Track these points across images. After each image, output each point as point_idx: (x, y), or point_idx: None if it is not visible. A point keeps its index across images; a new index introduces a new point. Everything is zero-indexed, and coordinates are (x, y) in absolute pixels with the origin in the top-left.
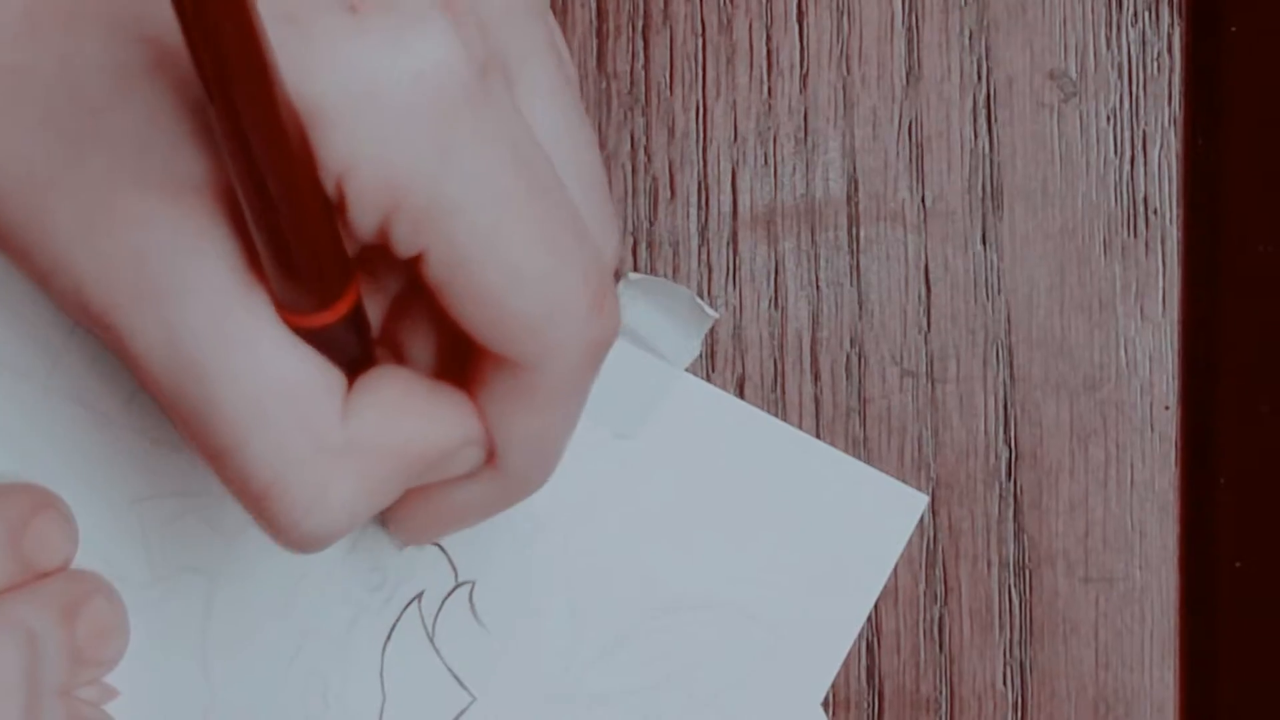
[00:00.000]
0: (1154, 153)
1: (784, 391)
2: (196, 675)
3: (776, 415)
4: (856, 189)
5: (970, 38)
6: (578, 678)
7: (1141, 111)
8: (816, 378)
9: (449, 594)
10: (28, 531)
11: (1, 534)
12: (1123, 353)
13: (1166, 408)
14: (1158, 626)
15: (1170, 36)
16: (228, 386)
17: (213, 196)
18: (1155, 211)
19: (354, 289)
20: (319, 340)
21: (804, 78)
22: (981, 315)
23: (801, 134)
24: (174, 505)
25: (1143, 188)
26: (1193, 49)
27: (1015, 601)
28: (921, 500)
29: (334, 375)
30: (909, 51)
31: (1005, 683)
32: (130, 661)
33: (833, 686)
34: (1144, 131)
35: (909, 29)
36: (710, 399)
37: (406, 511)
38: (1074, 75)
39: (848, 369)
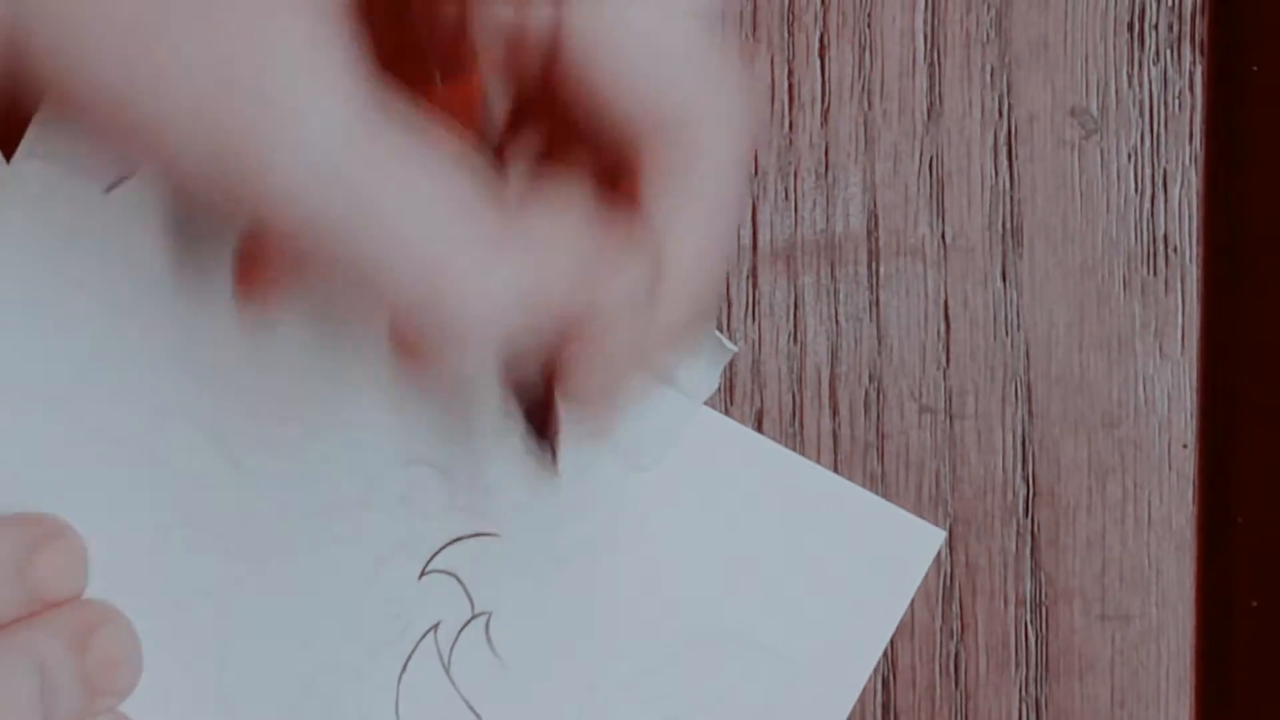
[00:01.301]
0: (1175, 190)
1: (802, 426)
2: (211, 705)
3: (795, 450)
4: (877, 224)
5: (992, 74)
6: (594, 711)
7: (1163, 149)
8: (835, 413)
9: (465, 625)
10: (36, 562)
11: (9, 565)
12: (1141, 390)
13: (1185, 446)
14: (1174, 664)
15: (1192, 75)
16: (385, 173)
17: None
18: (1175, 249)
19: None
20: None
21: (825, 112)
22: (1000, 352)
23: (822, 169)
24: (191, 532)
25: (1163, 225)
26: (1214, 87)
27: (1032, 638)
28: (939, 536)
29: (486, 167)
30: (930, 87)
31: (1021, 719)
32: (145, 691)
33: None
34: (1165, 169)
35: (930, 64)
36: (729, 433)
37: (570, 354)
38: (1095, 112)
39: (866, 404)
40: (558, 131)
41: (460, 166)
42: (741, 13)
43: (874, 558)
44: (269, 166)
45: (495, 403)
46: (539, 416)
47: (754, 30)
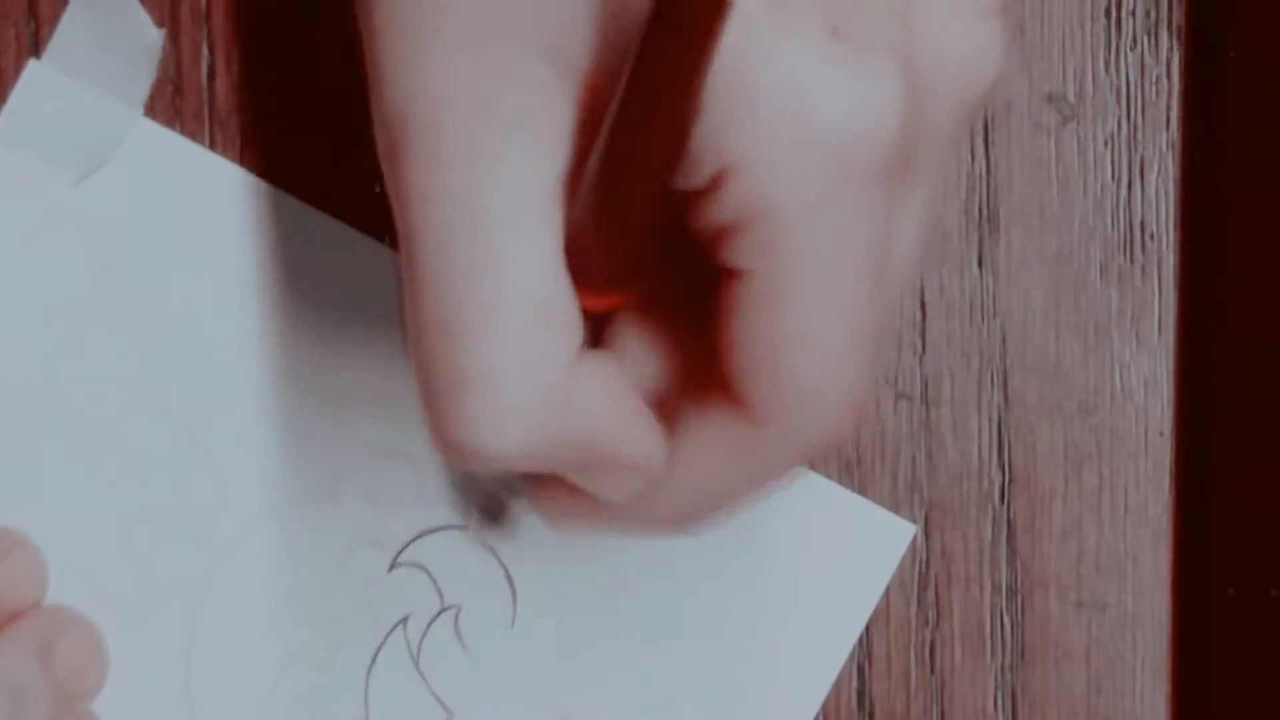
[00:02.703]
0: (1151, 177)
1: None
2: (179, 697)
3: None
4: None
5: None
6: (562, 704)
7: (1139, 135)
8: None
9: (434, 618)
10: None
11: None
12: (1118, 378)
13: (1161, 433)
14: (1150, 652)
15: (1169, 61)
16: (493, 267)
17: (586, 101)
18: (1152, 236)
19: (632, 290)
20: None
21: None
22: (976, 339)
23: None
24: (161, 524)
25: (1140, 212)
26: (1191, 73)
27: (1007, 626)
28: (909, 530)
29: (580, 328)
30: None
31: (996, 707)
32: (112, 684)
33: (823, 710)
34: (1142, 156)
35: None
36: None
37: (553, 491)
38: (1072, 99)
39: None
40: (661, 321)
41: (565, 302)
42: None
43: (844, 552)
44: (437, 175)
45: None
46: (495, 507)
47: None
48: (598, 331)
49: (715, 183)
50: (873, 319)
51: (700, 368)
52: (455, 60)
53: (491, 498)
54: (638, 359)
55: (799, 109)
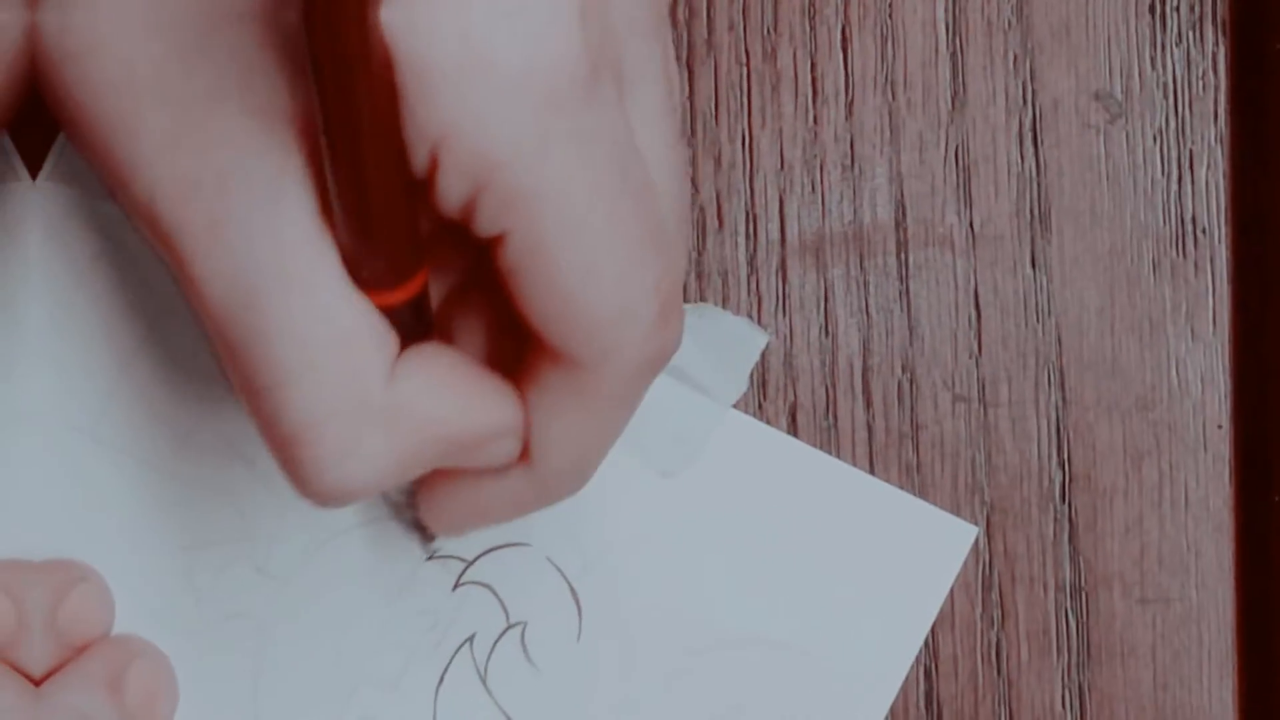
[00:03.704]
0: (1201, 172)
1: (836, 419)
2: None
3: (829, 443)
4: (904, 214)
5: (1015, 61)
6: (632, 716)
7: (1188, 131)
8: (869, 404)
9: (500, 635)
10: (63, 608)
11: (38, 615)
12: (1174, 373)
13: (1220, 426)
14: (1215, 646)
15: (1215, 55)
16: (282, 323)
17: (302, 137)
18: (1203, 231)
19: (422, 274)
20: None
21: (849, 104)
22: (1032, 338)
23: (848, 160)
24: (222, 553)
25: (1190, 207)
26: (1237, 67)
27: (1072, 624)
28: (971, 531)
29: (387, 338)
30: (954, 76)
31: (1064, 706)
32: (182, 713)
33: (891, 712)
34: (1190, 150)
35: (953, 53)
36: (757, 435)
37: (435, 499)
38: (1119, 96)
39: (899, 395)
40: (482, 295)
41: (369, 326)
42: (763, 7)
43: (908, 556)
44: (202, 259)
45: None
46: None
47: (775, 25)
48: (428, 324)
49: (434, 163)
50: (644, 222)
51: (523, 336)
52: (170, 154)
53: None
54: (468, 339)
55: (479, 66)
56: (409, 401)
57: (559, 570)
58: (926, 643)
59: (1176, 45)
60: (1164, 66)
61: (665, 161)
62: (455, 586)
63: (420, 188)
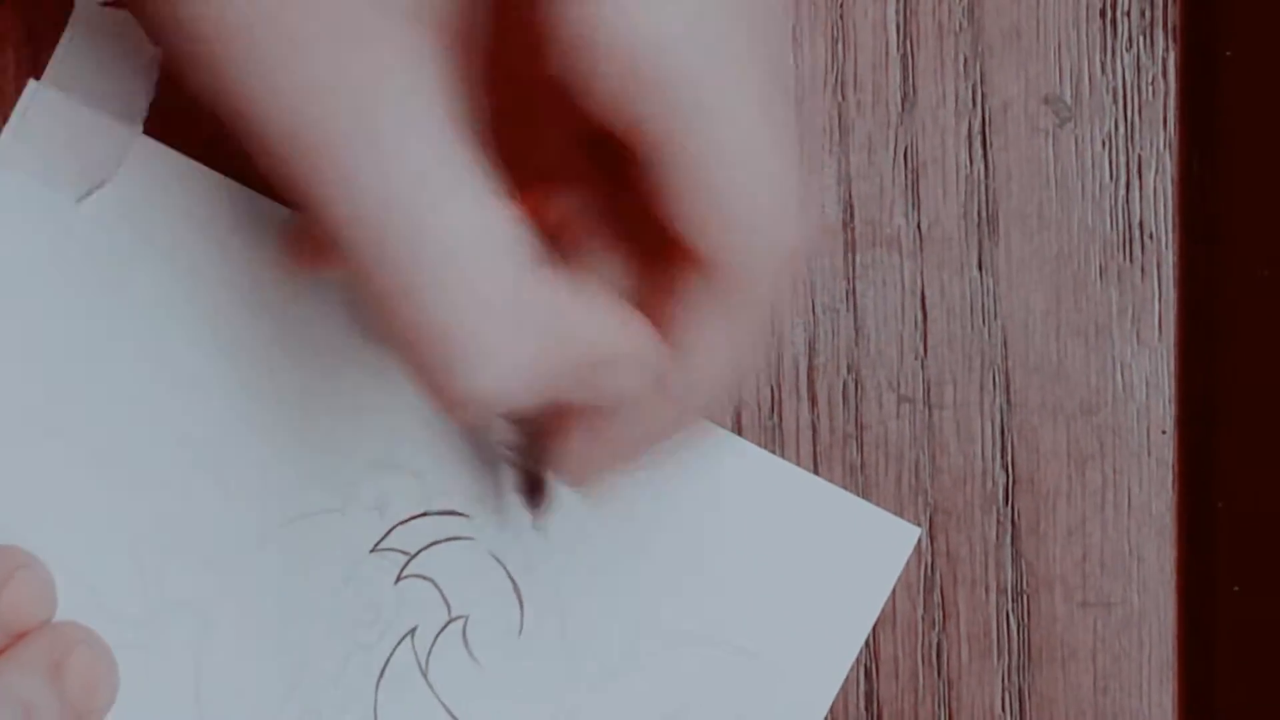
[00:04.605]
0: (1149, 177)
1: (781, 418)
2: (190, 713)
3: (774, 442)
4: (852, 215)
5: (965, 63)
6: (571, 713)
7: (1137, 136)
8: (814, 404)
9: (442, 629)
10: (3, 594)
11: None
12: (1119, 377)
13: (1164, 432)
14: (1156, 651)
15: (1165, 61)
16: (426, 224)
17: (449, 47)
18: (1151, 236)
19: (567, 191)
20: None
21: (799, 104)
22: (978, 340)
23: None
24: (168, 539)
25: (1138, 212)
26: (1187, 73)
27: (1013, 627)
28: (914, 533)
29: (531, 245)
30: (904, 78)
31: (1004, 708)
32: (122, 701)
33: (831, 712)
34: (1139, 156)
35: (904, 55)
36: (702, 433)
37: (570, 441)
38: (1069, 100)
39: (844, 395)
40: (613, 223)
41: (510, 231)
42: None
43: (850, 556)
44: (345, 170)
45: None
46: (531, 484)
47: None
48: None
49: (588, 50)
50: (784, 125)
51: (663, 257)
52: (320, 49)
53: (529, 477)
54: (605, 269)
55: None
56: (551, 307)
57: (502, 565)
58: (867, 643)
59: (1127, 50)
60: (1114, 71)
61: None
62: (398, 580)
63: (564, 90)
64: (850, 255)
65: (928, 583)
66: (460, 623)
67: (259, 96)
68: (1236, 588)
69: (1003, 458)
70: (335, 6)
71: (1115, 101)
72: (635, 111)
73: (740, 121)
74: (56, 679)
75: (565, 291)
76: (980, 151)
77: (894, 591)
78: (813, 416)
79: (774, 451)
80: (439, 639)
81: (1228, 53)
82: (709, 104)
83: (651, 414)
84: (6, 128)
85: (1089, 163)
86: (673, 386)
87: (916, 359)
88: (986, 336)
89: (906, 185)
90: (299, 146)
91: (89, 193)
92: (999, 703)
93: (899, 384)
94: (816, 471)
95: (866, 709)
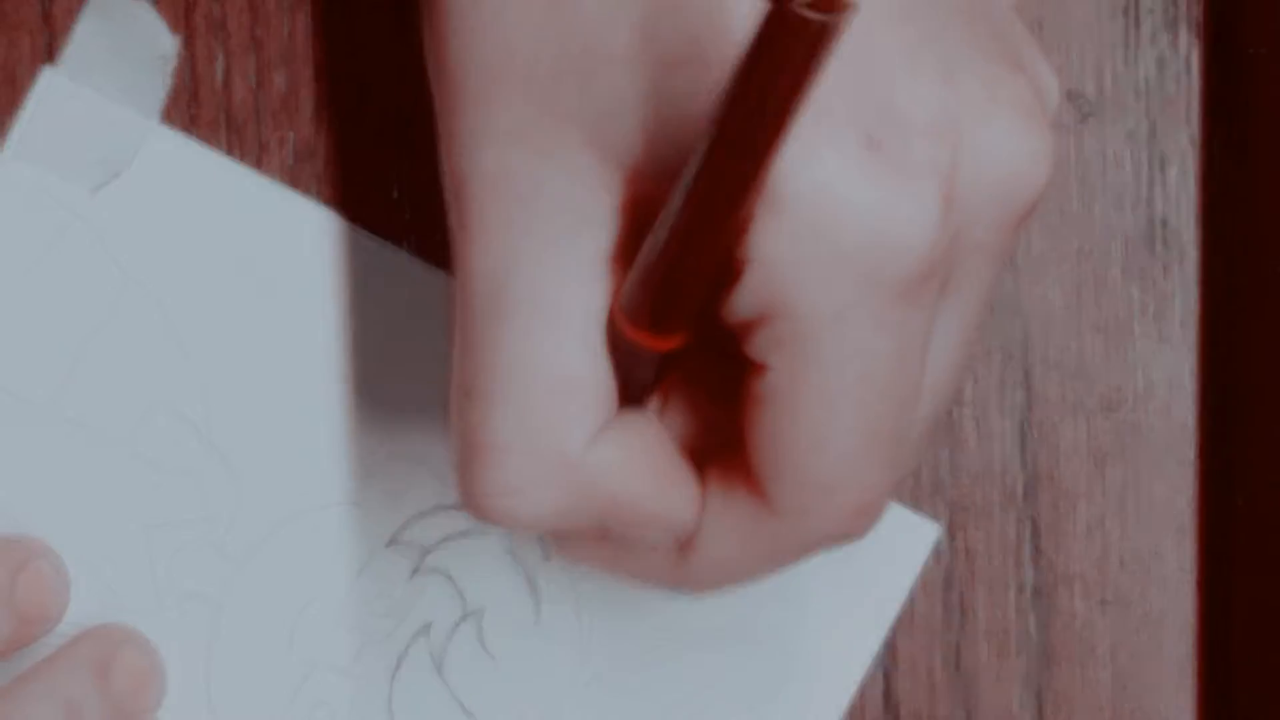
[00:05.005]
0: (1172, 173)
1: None
2: (201, 705)
3: None
4: None
5: None
6: (586, 709)
7: (1159, 132)
8: None
9: (457, 624)
10: (18, 585)
11: None
12: (1140, 374)
13: (1185, 428)
14: (1175, 649)
15: (1188, 56)
16: (520, 343)
17: (629, 183)
18: (1174, 232)
19: (683, 339)
20: (624, 356)
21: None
22: (998, 336)
23: None
24: (181, 532)
25: (1160, 208)
26: (1211, 69)
27: (1032, 625)
28: (934, 530)
29: (608, 400)
30: None
31: (1022, 707)
32: None
33: (849, 711)
34: (1162, 152)
35: None
36: None
37: (574, 544)
38: (1091, 96)
39: None
40: (706, 391)
41: (593, 391)
42: None
43: (870, 554)
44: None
45: None
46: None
47: None
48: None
49: (738, 272)
50: (892, 426)
51: (734, 439)
52: (504, 146)
53: None
54: (679, 417)
55: (826, 217)
56: (598, 469)
57: (518, 560)
58: (886, 641)
59: (1150, 46)
60: (1137, 67)
61: (943, 381)
62: (413, 574)
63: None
64: None
65: (947, 581)
66: (476, 618)
67: (460, 148)
68: (1255, 586)
69: (1022, 455)
70: (554, 114)
71: (1138, 98)
72: (756, 345)
73: (848, 405)
74: (102, 679)
75: (625, 453)
76: None
77: (913, 590)
78: None
79: None
80: (454, 634)
81: (1251, 49)
82: (827, 373)
83: (660, 562)
84: (21, 117)
85: (1111, 159)
86: (685, 565)
87: None
88: (1007, 333)
89: None
90: (462, 206)
91: (103, 183)
92: (1017, 702)
93: None
94: None
95: (885, 708)
